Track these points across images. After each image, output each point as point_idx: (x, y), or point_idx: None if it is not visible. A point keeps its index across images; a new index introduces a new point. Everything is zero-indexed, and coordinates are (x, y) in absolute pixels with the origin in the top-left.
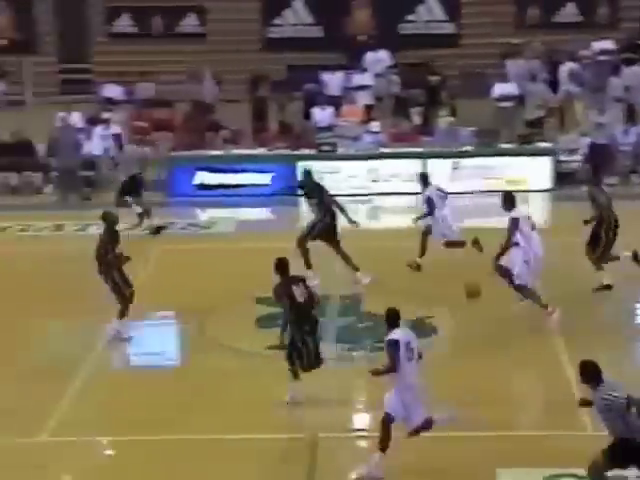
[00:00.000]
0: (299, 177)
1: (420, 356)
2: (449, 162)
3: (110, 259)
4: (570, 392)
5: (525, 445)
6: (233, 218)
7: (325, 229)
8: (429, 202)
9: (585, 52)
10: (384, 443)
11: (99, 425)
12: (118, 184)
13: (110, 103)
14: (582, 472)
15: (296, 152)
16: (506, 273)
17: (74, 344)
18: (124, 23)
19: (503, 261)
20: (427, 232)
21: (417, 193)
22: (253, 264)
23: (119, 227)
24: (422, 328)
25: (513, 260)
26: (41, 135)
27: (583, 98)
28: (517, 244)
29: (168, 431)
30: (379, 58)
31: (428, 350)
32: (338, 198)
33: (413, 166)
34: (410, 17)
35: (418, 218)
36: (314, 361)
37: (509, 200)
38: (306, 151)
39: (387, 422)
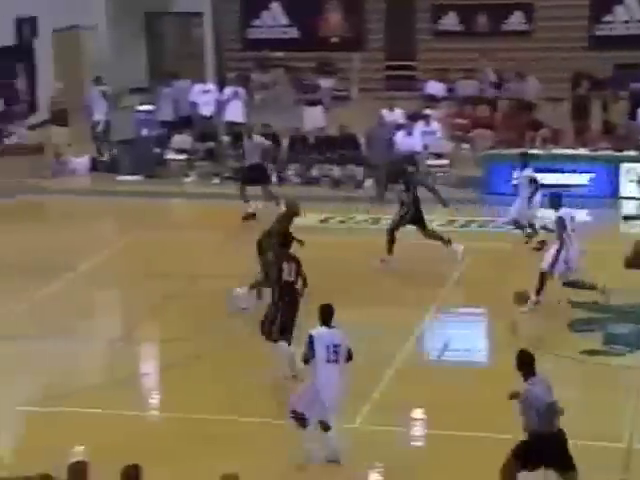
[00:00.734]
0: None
1: (337, 360)
2: None
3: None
4: None
5: None
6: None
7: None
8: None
9: None
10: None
11: (406, 416)
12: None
13: (432, 100)
14: None
15: (619, 153)
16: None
17: (392, 333)
18: (450, 21)
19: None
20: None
21: None
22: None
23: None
24: None
25: (550, 256)
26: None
27: None
28: (561, 242)
29: (479, 429)
30: None
31: None
32: None
33: None
34: None
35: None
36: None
37: (556, 200)
38: (631, 152)
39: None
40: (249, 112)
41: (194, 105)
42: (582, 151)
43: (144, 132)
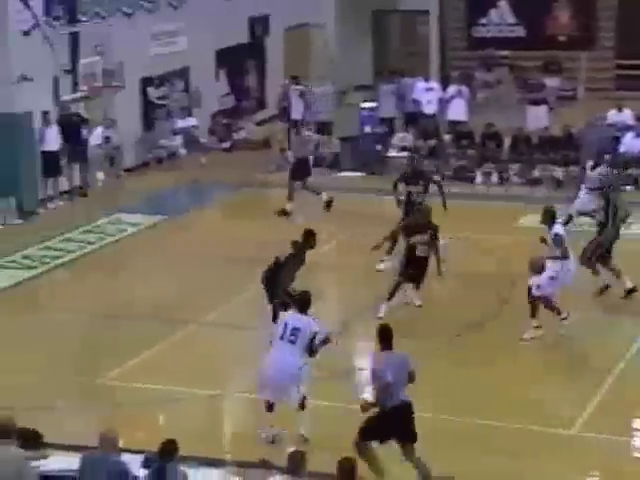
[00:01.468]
0: None
1: (293, 341)
2: None
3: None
4: None
5: None
6: None
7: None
8: None
9: None
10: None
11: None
12: None
13: None
14: None
15: None
16: None
17: (615, 338)
18: None
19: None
20: None
21: None
22: None
23: None
24: None
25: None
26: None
27: None
28: (554, 258)
29: None
30: None
31: None
32: None
33: None
34: None
35: None
36: None
37: (549, 216)
38: None
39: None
40: (471, 111)
41: (417, 103)
42: None
43: (367, 129)
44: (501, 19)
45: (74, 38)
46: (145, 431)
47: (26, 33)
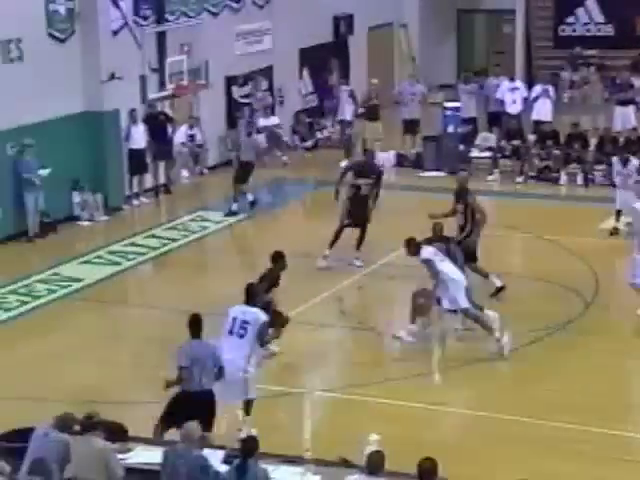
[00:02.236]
0: None
1: (242, 335)
2: None
3: None
4: None
5: None
6: None
7: None
8: None
9: None
10: None
11: None
12: None
13: None
14: None
15: None
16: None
17: None
18: None
19: None
20: None
21: None
22: None
23: None
24: None
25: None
26: None
27: None
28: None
29: None
30: None
31: None
32: None
33: None
34: None
35: None
36: None
37: (413, 246)
38: None
39: None
40: (557, 111)
41: (501, 103)
42: None
43: (450, 129)
44: (589, 18)
45: (161, 37)
46: (226, 427)
47: (115, 33)
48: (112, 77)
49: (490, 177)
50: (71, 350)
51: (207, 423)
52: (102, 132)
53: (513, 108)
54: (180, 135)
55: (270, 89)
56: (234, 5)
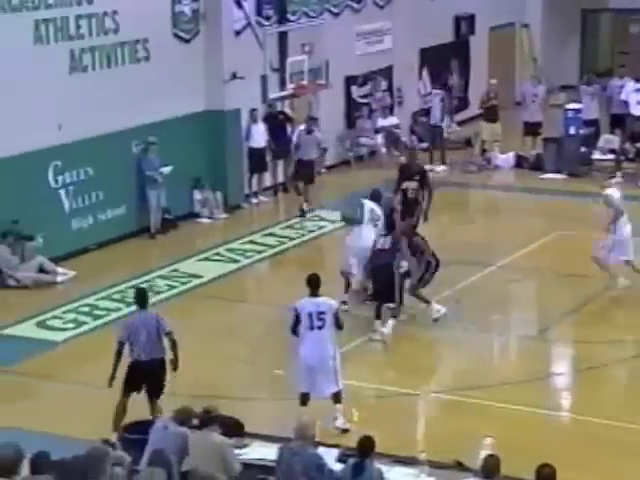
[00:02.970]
0: None
1: (321, 327)
2: None
3: None
4: None
5: None
6: None
7: None
8: None
9: None
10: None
11: None
12: None
13: None
14: None
15: None
16: None
17: None
18: None
19: None
20: None
21: None
22: None
23: None
24: None
25: None
26: None
27: None
28: None
29: None
30: None
31: None
32: None
33: None
34: None
35: None
36: None
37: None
38: None
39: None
40: None
41: (625, 104)
42: None
43: (571, 130)
44: None
45: (283, 37)
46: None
47: (238, 33)
48: (234, 77)
49: (612, 180)
50: (190, 345)
51: (156, 390)
52: (223, 131)
53: (638, 109)
54: (296, 135)
55: (389, 89)
56: (355, 5)
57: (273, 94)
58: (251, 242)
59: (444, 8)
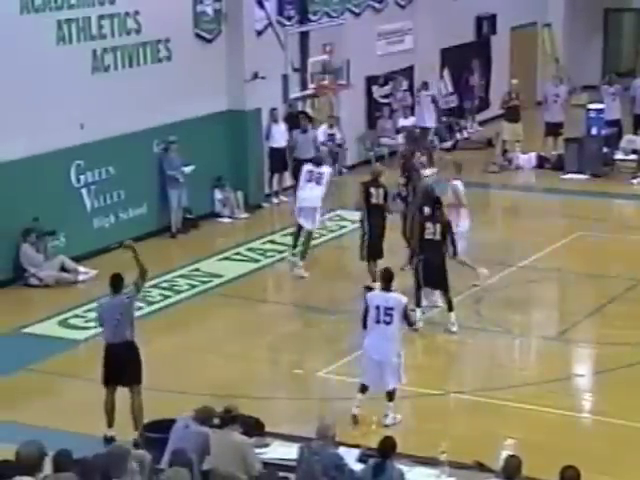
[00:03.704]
0: None
1: (389, 322)
2: None
3: None
4: None
5: None
6: None
7: None
8: None
9: None
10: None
11: None
12: None
13: None
14: None
15: None
16: None
17: None
18: None
19: None
20: None
21: None
22: None
23: None
24: None
25: None
26: None
27: None
28: None
29: None
30: None
31: None
32: None
33: None
34: None
35: None
36: None
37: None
38: None
39: None
40: None
41: None
42: None
43: (593, 131)
44: None
45: (304, 37)
46: (362, 426)
47: (259, 33)
48: (255, 76)
49: (635, 180)
50: (210, 344)
51: (134, 374)
52: (244, 131)
53: None
54: (320, 134)
55: (410, 89)
56: (376, 5)
57: (294, 94)
58: (272, 242)
59: (465, 8)
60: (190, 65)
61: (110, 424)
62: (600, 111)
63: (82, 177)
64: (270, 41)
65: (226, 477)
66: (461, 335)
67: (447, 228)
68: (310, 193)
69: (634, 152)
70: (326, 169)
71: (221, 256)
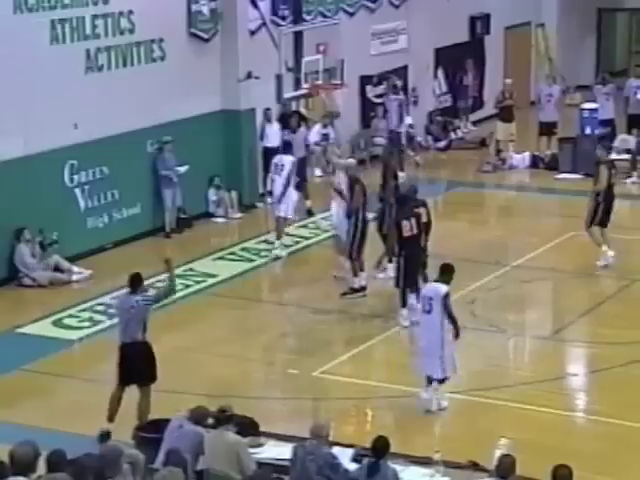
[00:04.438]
0: None
1: (429, 311)
2: None
3: None
4: None
5: None
6: None
7: None
8: None
9: None
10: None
11: None
12: None
13: None
14: None
15: None
16: None
17: None
18: None
19: None
20: None
21: None
22: None
23: None
24: None
25: None
26: None
27: None
28: None
29: None
30: None
31: None
32: None
33: None
34: None
35: None
36: None
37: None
38: None
39: None
40: None
41: None
42: None
43: (587, 130)
44: None
45: (298, 37)
46: (356, 425)
47: (253, 33)
48: (249, 76)
49: (628, 180)
50: (205, 344)
51: (143, 374)
52: (238, 131)
53: None
54: (314, 134)
55: (404, 89)
56: (370, 5)
57: (288, 94)
58: (266, 242)
59: (459, 8)
60: (184, 65)
61: (110, 418)
62: (594, 111)
63: (76, 177)
64: (264, 41)
65: (220, 477)
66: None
67: (423, 222)
68: (274, 185)
69: (627, 152)
70: (287, 159)
71: (215, 256)
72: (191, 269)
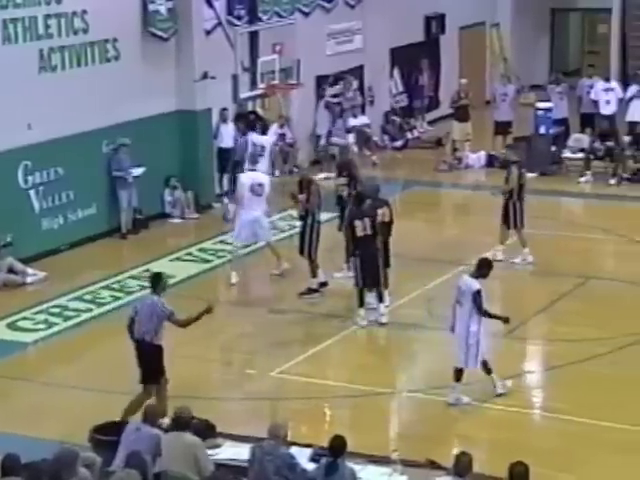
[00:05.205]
0: None
1: (461, 304)
2: None
3: None
4: None
5: None
6: None
7: None
8: None
9: None
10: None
11: None
12: None
13: None
14: None
15: None
16: None
17: None
18: None
19: None
20: None
21: None
22: None
23: None
24: None
25: None
26: None
27: None
28: None
29: None
30: None
31: None
32: None
33: None
34: None
35: None
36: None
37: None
38: None
39: None
40: None
41: (594, 104)
42: None
43: (541, 130)
44: None
45: (254, 37)
46: (314, 425)
47: (208, 32)
48: (205, 76)
49: (582, 179)
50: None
51: (149, 375)
52: (194, 131)
53: (607, 109)
54: (270, 134)
55: (360, 89)
56: (326, 5)
57: (244, 94)
58: (223, 242)
59: (414, 8)
60: (139, 65)
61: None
62: (548, 110)
63: (30, 178)
64: (219, 41)
65: (178, 479)
66: (414, 333)
67: (382, 222)
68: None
69: (581, 151)
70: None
71: (172, 257)
72: (148, 270)
